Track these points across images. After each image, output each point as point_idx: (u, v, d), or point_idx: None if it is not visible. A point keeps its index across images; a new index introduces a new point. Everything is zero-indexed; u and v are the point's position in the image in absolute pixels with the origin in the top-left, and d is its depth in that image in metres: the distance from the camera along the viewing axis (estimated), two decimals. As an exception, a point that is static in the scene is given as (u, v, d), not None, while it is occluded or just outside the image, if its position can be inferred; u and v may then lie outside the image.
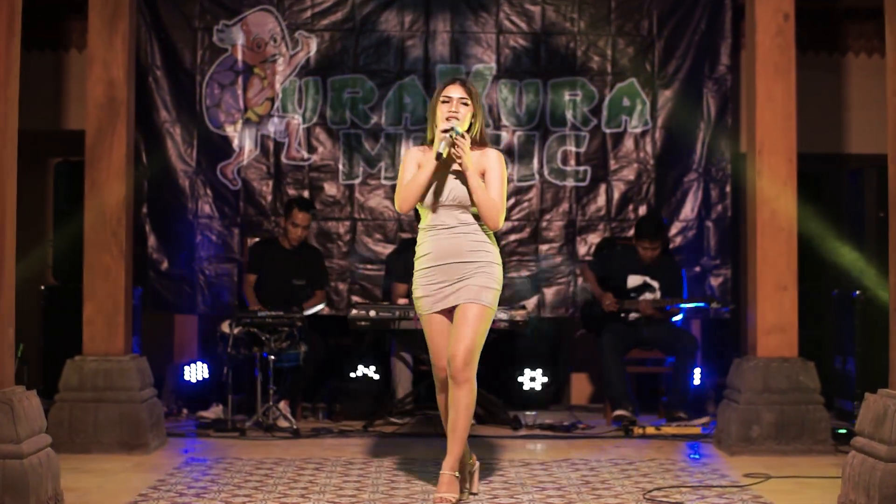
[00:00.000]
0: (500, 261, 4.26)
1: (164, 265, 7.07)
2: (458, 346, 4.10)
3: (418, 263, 4.26)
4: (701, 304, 6.77)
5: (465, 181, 4.15)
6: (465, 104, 4.18)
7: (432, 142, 4.22)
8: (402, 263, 6.79)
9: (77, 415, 5.48)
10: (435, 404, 6.70)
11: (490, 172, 4.20)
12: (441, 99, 4.21)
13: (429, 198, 4.20)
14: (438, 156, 4.09)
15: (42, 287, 7.01)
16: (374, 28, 7.12)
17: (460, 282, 4.16)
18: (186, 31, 7.05)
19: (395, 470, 4.98)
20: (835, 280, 6.74)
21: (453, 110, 4.16)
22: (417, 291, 4.25)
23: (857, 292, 6.38)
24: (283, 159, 7.12)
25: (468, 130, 4.20)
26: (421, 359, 6.57)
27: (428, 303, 4.22)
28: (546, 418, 6.72)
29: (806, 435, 5.54)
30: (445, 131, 4.12)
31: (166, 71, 7.03)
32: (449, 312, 4.21)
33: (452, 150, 4.12)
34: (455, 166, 4.19)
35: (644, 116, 7.14)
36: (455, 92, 4.20)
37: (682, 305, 6.73)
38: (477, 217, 4.19)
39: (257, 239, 6.98)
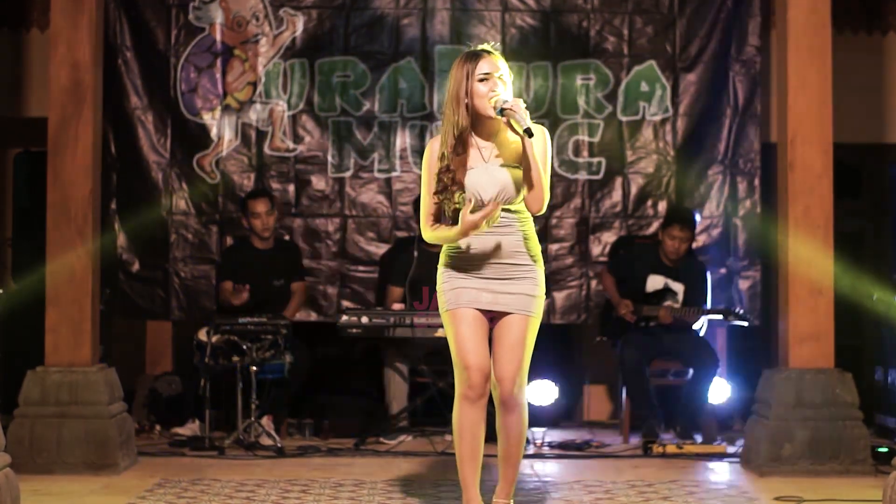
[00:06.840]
0: (542, 262, 4.15)
1: (135, 266, 7.08)
2: (507, 368, 4.04)
3: (453, 258, 4.12)
4: (720, 318, 6.75)
5: (513, 175, 4.02)
6: (504, 81, 4.05)
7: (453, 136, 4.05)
8: (397, 265, 6.81)
9: (39, 432, 5.49)
10: (433, 420, 6.80)
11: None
12: (477, 77, 4.01)
13: (474, 196, 4.02)
14: (502, 112, 3.96)
15: (0, 291, 7.02)
16: (367, 5, 7.13)
17: (503, 286, 4.05)
18: (159, 9, 7.05)
19: (389, 493, 4.99)
20: (875, 284, 6.75)
21: (495, 91, 4.02)
22: (446, 284, 4.12)
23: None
24: (267, 150, 7.13)
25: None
26: (418, 370, 6.58)
27: (458, 297, 4.08)
28: (556, 436, 6.74)
29: (843, 454, 5.55)
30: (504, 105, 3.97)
31: (137, 52, 7.04)
32: (483, 312, 4.09)
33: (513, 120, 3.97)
34: (494, 159, 4.04)
35: (664, 102, 7.16)
36: (493, 67, 4.03)
37: (705, 317, 6.73)
38: (519, 211, 4.08)
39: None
